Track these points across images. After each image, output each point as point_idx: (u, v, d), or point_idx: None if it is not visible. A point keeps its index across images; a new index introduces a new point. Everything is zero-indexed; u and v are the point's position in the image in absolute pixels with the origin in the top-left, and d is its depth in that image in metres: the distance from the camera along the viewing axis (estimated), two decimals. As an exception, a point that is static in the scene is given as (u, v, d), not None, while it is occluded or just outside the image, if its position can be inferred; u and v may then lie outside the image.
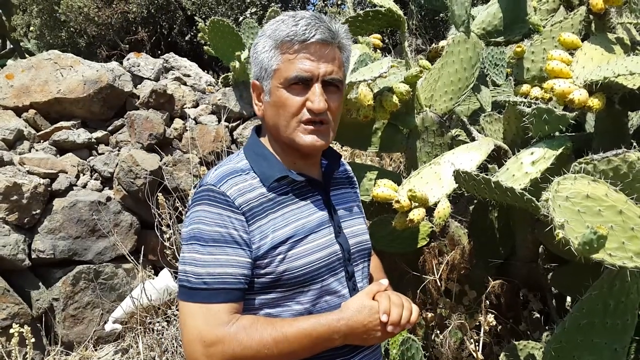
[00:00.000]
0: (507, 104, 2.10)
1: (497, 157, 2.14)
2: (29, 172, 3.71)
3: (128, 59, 4.74)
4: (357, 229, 1.38)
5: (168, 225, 3.57)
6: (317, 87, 1.23)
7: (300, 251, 1.22)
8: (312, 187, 1.31)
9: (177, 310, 3.44)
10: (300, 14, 1.24)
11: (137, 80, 4.64)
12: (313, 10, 9.38)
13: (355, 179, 1.52)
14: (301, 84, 1.23)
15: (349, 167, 1.52)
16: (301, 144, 1.25)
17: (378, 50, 3.39)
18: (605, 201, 1.30)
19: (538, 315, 2.38)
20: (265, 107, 1.28)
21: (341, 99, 1.31)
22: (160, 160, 4.17)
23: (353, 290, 1.30)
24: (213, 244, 1.16)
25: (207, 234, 1.17)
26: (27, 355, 3.03)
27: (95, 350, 3.72)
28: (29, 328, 2.99)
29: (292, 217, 1.24)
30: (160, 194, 3.69)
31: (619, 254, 1.27)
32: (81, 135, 4.14)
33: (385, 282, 1.28)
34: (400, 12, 2.29)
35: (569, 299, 2.48)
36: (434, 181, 1.94)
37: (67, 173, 3.93)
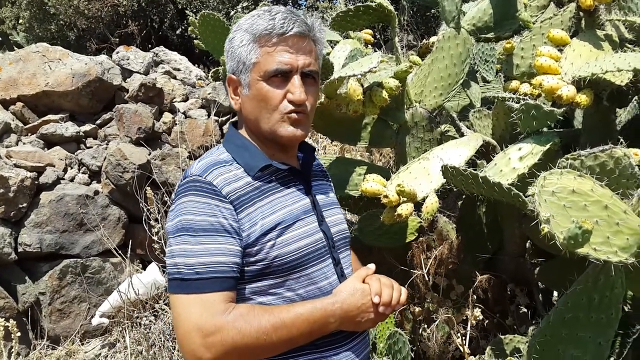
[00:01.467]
0: (496, 100, 2.10)
1: (485, 153, 2.15)
2: (15, 166, 3.68)
3: (117, 52, 4.71)
4: (336, 218, 1.40)
5: (156, 220, 3.55)
6: (297, 79, 1.25)
7: (289, 237, 1.23)
8: (293, 177, 1.32)
9: (165, 304, 3.42)
10: (275, 9, 1.26)
11: (127, 73, 4.61)
12: (304, 6, 9.35)
13: (327, 173, 1.55)
14: (280, 76, 1.25)
15: (321, 162, 1.55)
16: (283, 135, 1.27)
17: (369, 46, 3.39)
18: (590, 196, 1.31)
19: (525, 310, 2.39)
20: (244, 101, 1.29)
21: (318, 91, 1.35)
22: (149, 154, 4.15)
23: (341, 276, 1.32)
24: (203, 233, 1.16)
25: (196, 224, 1.16)
26: (13, 350, 3.01)
27: (82, 344, 3.69)
28: (15, 322, 2.96)
29: (278, 205, 1.25)
30: (149, 188, 3.66)
31: (604, 249, 1.28)
32: (69, 129, 4.10)
33: (372, 266, 1.30)
34: (391, 8, 2.29)
35: (555, 293, 2.50)
36: (422, 176, 1.94)
37: (54, 166, 3.90)
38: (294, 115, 1.26)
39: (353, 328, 1.23)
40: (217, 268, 1.15)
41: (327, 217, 1.35)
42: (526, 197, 1.55)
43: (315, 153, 1.48)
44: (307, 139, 1.39)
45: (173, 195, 1.28)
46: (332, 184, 1.54)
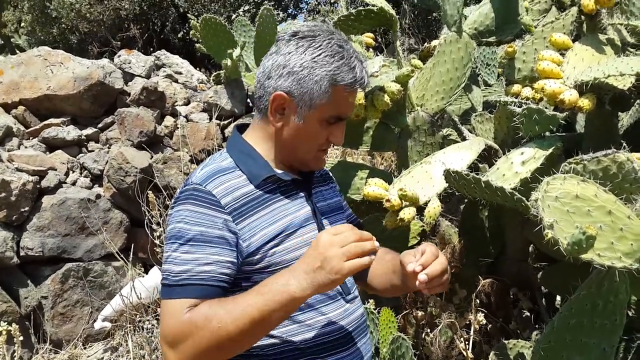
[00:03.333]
0: (498, 104, 2.10)
1: (487, 157, 2.15)
2: (17, 169, 3.68)
3: (119, 56, 4.71)
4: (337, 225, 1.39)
5: (158, 223, 3.55)
6: (343, 125, 1.32)
7: (290, 245, 1.23)
8: (295, 185, 1.33)
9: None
10: (347, 51, 1.25)
11: (128, 77, 4.60)
12: (306, 9, 9.34)
13: (329, 174, 1.54)
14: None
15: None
16: (314, 168, 1.35)
17: (370, 50, 3.39)
18: (594, 201, 1.31)
19: (528, 314, 2.39)
20: (289, 126, 1.28)
21: None
22: (151, 158, 4.14)
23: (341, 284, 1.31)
24: (193, 243, 1.15)
25: (186, 232, 1.16)
26: (15, 354, 3.00)
27: (84, 348, 3.69)
28: (17, 326, 2.96)
29: (280, 214, 1.25)
30: (151, 191, 3.66)
31: (608, 254, 1.28)
32: (71, 132, 4.10)
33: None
34: (393, 12, 2.29)
35: (558, 297, 2.49)
36: (424, 180, 1.94)
37: (56, 170, 3.90)
38: (326, 152, 1.34)
39: (324, 280, 1.05)
40: (201, 276, 1.13)
41: (327, 225, 1.35)
42: (529, 201, 1.54)
43: None
44: None
45: (172, 201, 1.27)
46: (334, 186, 1.52)
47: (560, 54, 1.86)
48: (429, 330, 2.28)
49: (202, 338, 1.07)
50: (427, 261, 1.16)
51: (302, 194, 1.33)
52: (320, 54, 1.24)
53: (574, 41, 1.93)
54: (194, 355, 1.09)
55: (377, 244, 1.10)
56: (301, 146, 1.29)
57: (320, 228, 1.32)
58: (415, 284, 1.15)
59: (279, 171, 1.29)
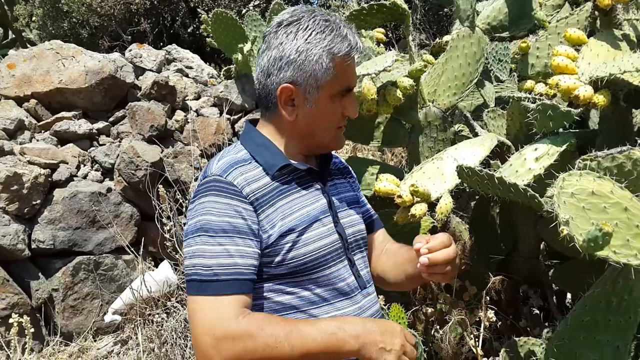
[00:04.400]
0: (511, 100, 2.09)
1: (499, 153, 2.14)
2: (29, 162, 3.70)
3: (130, 50, 4.72)
4: (352, 219, 1.39)
5: (168, 217, 3.56)
6: (353, 95, 1.31)
7: (307, 238, 1.23)
8: (310, 177, 1.32)
9: (177, 302, 3.44)
10: (333, 22, 1.26)
11: (139, 71, 4.62)
12: (316, 4, 9.33)
13: (349, 169, 1.54)
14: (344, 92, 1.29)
15: (340, 159, 1.54)
16: (335, 147, 1.35)
17: (381, 44, 3.38)
18: (610, 198, 1.30)
19: (538, 312, 2.38)
20: (303, 114, 1.27)
21: None
22: (162, 152, 4.16)
23: (358, 277, 1.32)
24: (222, 234, 1.15)
25: (215, 224, 1.15)
26: (26, 345, 3.03)
27: (95, 341, 3.72)
28: (28, 318, 2.99)
29: (297, 206, 1.25)
30: (161, 185, 3.67)
31: (624, 252, 1.26)
32: (82, 126, 4.12)
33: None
34: (405, 6, 2.28)
35: (569, 295, 2.48)
36: (436, 176, 1.93)
37: (67, 164, 3.92)
38: (343, 128, 1.33)
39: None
40: (235, 270, 1.14)
41: (343, 218, 1.35)
42: (543, 198, 1.53)
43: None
44: None
45: (192, 194, 1.26)
46: (353, 180, 1.52)
47: (575, 50, 1.84)
48: (438, 327, 2.28)
49: (255, 349, 1.08)
50: (433, 247, 1.19)
51: (317, 186, 1.32)
52: (310, 34, 1.24)
53: (588, 37, 1.91)
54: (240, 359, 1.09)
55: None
56: (319, 129, 1.29)
57: (336, 221, 1.31)
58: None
59: (295, 161, 1.29)
